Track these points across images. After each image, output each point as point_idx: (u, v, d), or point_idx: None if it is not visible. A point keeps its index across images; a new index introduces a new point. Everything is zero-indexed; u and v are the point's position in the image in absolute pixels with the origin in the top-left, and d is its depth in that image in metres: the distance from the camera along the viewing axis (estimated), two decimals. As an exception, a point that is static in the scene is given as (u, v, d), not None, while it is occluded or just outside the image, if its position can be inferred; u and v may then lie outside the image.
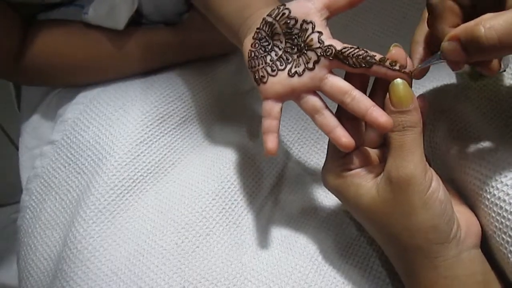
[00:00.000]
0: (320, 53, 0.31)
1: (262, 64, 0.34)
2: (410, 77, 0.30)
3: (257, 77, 0.34)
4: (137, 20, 0.53)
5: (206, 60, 0.54)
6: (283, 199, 0.45)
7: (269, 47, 0.34)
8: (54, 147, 0.47)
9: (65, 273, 0.38)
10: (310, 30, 0.32)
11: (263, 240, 0.40)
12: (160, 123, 0.46)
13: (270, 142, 0.33)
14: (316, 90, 0.33)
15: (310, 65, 0.32)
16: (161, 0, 0.52)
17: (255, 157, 0.46)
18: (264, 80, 0.33)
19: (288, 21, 0.32)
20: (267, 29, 0.34)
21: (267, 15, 0.33)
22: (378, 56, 0.30)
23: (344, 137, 0.31)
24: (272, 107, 0.33)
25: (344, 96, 0.31)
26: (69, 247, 0.39)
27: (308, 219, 0.42)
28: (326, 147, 0.35)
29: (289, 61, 0.33)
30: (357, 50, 0.31)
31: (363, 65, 0.30)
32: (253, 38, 0.34)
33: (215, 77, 0.52)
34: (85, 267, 0.37)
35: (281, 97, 0.33)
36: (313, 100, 0.33)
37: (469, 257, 0.30)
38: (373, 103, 0.30)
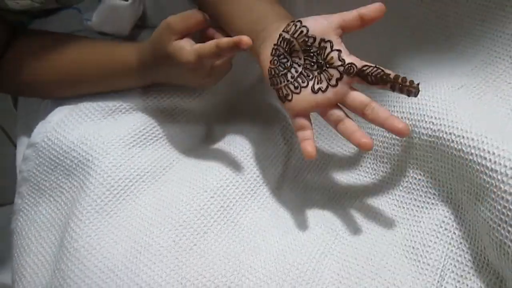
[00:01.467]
0: (342, 71, 0.34)
1: (284, 81, 0.36)
2: (418, 89, 0.33)
3: (281, 95, 0.36)
4: (140, 25, 0.53)
5: None
6: (284, 197, 0.45)
7: (288, 64, 0.36)
8: (35, 150, 0.46)
9: (63, 271, 0.38)
10: (329, 48, 0.34)
11: (261, 237, 0.40)
12: (154, 127, 0.46)
13: (309, 146, 0.35)
14: (338, 103, 0.35)
15: (333, 82, 0.35)
16: (166, 3, 0.52)
17: (256, 156, 0.45)
18: (289, 98, 0.36)
19: (307, 39, 0.35)
20: (285, 46, 0.35)
21: (284, 31, 0.36)
22: (392, 74, 0.33)
23: (364, 137, 0.34)
24: (302, 122, 0.36)
25: (365, 108, 0.34)
26: (66, 246, 0.39)
27: (307, 217, 0.42)
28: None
29: (310, 77, 0.35)
30: (375, 69, 0.33)
31: (380, 83, 0.33)
32: (271, 54, 0.36)
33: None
34: (82, 265, 0.37)
35: (307, 113, 0.36)
36: (337, 114, 0.36)
37: None
38: (389, 113, 0.34)
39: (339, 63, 0.34)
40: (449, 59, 0.41)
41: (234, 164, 0.44)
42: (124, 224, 0.40)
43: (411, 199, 0.38)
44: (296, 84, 0.35)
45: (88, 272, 0.37)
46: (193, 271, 0.36)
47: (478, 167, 0.32)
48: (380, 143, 0.40)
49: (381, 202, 0.40)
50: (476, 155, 0.32)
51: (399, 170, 0.39)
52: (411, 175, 0.38)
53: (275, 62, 0.36)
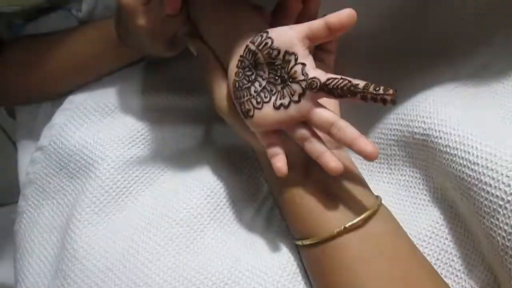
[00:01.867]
0: (305, 86, 0.31)
1: (247, 95, 0.33)
2: (394, 95, 0.29)
3: (243, 110, 0.33)
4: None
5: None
6: None
7: (253, 77, 0.33)
8: (43, 153, 0.47)
9: (64, 272, 0.38)
10: (293, 62, 0.32)
11: (258, 235, 0.40)
12: (152, 127, 0.46)
13: (279, 163, 0.33)
14: (302, 120, 0.33)
15: (296, 98, 0.32)
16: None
17: (253, 157, 0.45)
18: (251, 113, 0.33)
19: (271, 52, 0.32)
20: (250, 58, 0.33)
21: (251, 42, 0.33)
22: (361, 84, 0.30)
23: (333, 161, 0.32)
24: (269, 138, 0.34)
25: (331, 127, 0.32)
26: (66, 247, 0.39)
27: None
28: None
29: (273, 92, 0.32)
30: (341, 81, 0.30)
31: (348, 95, 0.30)
32: (236, 66, 0.34)
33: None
34: (81, 264, 0.38)
35: (270, 129, 0.34)
36: (301, 132, 0.33)
37: None
38: (358, 133, 0.31)
39: (302, 77, 0.31)
40: (444, 61, 0.41)
41: (231, 164, 0.44)
42: (122, 225, 0.40)
43: (408, 196, 0.38)
44: (258, 99, 0.33)
45: (88, 272, 0.37)
46: (190, 269, 0.36)
47: (461, 161, 0.31)
48: (376, 144, 0.40)
49: None
50: (461, 150, 0.32)
51: (396, 169, 0.39)
52: (408, 173, 0.38)
53: (240, 74, 0.34)
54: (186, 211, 0.40)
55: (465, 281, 0.33)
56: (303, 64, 0.31)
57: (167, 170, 0.44)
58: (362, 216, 0.32)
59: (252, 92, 0.33)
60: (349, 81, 0.30)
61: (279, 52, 0.32)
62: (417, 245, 0.33)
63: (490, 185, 0.29)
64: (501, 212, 0.28)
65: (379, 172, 0.40)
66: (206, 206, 0.40)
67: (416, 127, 0.36)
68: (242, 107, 0.33)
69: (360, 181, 0.36)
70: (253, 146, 0.37)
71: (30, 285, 0.42)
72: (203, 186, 0.42)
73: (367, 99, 0.30)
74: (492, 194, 0.29)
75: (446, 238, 0.34)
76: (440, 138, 0.33)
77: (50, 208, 0.45)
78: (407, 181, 0.38)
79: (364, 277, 0.31)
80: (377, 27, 0.45)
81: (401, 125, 0.38)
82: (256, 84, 0.33)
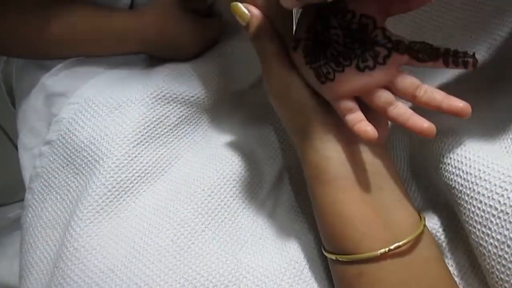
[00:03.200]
0: (391, 47, 0.30)
1: (323, 59, 0.31)
2: (475, 58, 0.29)
3: (321, 73, 0.31)
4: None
5: (203, 57, 0.54)
6: (284, 195, 0.45)
7: (327, 41, 0.31)
8: (51, 147, 0.47)
9: (63, 271, 0.38)
10: (371, 26, 0.30)
11: (259, 236, 0.40)
12: (157, 124, 0.46)
13: (368, 127, 0.30)
14: (387, 85, 0.31)
15: (381, 60, 0.30)
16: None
17: (255, 155, 0.46)
18: (331, 76, 0.31)
19: (345, 15, 0.30)
20: (322, 23, 0.31)
21: (320, 8, 0.31)
22: (442, 48, 0.30)
23: (426, 122, 0.30)
24: (348, 104, 0.31)
25: (416, 89, 0.30)
26: (66, 246, 0.39)
27: (307, 215, 0.42)
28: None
29: (353, 56, 0.30)
30: (424, 44, 0.30)
31: (432, 59, 0.30)
32: (306, 31, 0.32)
33: (213, 76, 0.52)
34: (82, 264, 0.38)
35: (352, 95, 0.31)
36: (386, 96, 0.31)
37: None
38: (445, 94, 0.30)
39: (385, 40, 0.30)
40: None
41: (231, 163, 0.45)
42: (124, 225, 0.40)
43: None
44: (337, 62, 0.30)
45: (88, 272, 0.37)
46: (191, 270, 0.36)
47: (454, 170, 0.32)
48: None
49: None
50: (454, 159, 0.32)
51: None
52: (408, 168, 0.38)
53: (311, 37, 0.31)
54: (187, 211, 0.40)
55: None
56: (384, 29, 0.30)
57: (168, 169, 0.45)
58: (409, 239, 0.30)
59: (329, 55, 0.31)
60: (431, 45, 0.30)
61: (354, 15, 0.30)
62: None
63: (483, 195, 0.29)
64: (494, 222, 0.29)
65: None
66: (207, 205, 0.40)
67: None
68: (319, 71, 0.31)
69: (406, 194, 0.33)
70: (295, 131, 0.35)
71: (34, 281, 0.41)
72: (203, 186, 0.42)
73: (449, 63, 0.29)
74: (485, 204, 0.29)
75: (447, 243, 0.34)
76: (436, 146, 0.34)
77: (53, 203, 0.44)
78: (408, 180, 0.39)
79: None
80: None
81: (405, 132, 0.38)
82: (332, 48, 0.31)
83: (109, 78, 0.51)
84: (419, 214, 0.32)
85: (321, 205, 0.33)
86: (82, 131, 0.45)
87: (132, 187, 0.42)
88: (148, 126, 0.45)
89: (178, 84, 0.49)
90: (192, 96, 0.49)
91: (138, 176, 0.43)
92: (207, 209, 0.40)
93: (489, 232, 0.29)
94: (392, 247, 0.29)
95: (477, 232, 0.29)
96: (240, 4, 0.34)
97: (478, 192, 0.30)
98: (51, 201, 0.45)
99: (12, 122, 0.62)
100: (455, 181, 0.31)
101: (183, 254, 0.37)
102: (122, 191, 0.42)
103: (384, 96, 0.31)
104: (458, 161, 0.32)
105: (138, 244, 0.38)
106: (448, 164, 0.32)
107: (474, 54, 0.29)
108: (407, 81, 0.31)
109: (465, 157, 0.31)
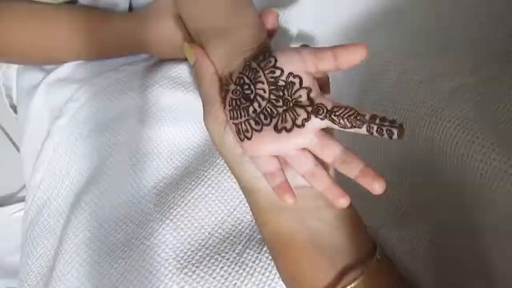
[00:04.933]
0: (311, 111, 0.29)
1: (244, 115, 0.31)
2: (401, 128, 0.28)
3: (240, 131, 0.31)
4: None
5: None
6: None
7: (252, 96, 0.31)
8: (53, 147, 0.47)
9: (60, 270, 0.39)
10: (297, 85, 0.30)
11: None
12: (157, 121, 0.46)
13: (288, 197, 0.30)
14: (304, 147, 0.30)
15: (299, 123, 0.29)
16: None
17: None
18: (249, 135, 0.30)
19: (274, 71, 0.30)
20: (250, 75, 0.31)
21: (252, 60, 0.31)
22: (368, 115, 0.28)
23: (341, 196, 0.30)
24: (266, 163, 0.31)
25: (335, 161, 0.30)
26: (64, 245, 0.40)
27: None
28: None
29: (274, 114, 0.30)
30: (347, 110, 0.28)
31: (354, 126, 0.28)
32: (234, 83, 0.31)
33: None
34: (81, 267, 0.38)
35: (269, 154, 0.31)
36: (304, 160, 0.30)
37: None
38: (364, 163, 0.29)
39: (307, 102, 0.29)
40: (448, 57, 0.41)
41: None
42: (121, 222, 0.40)
43: None
44: (257, 120, 0.30)
45: (83, 270, 0.38)
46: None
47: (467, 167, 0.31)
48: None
49: None
50: (466, 155, 0.31)
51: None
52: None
53: (237, 92, 0.31)
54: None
55: None
56: (309, 89, 0.30)
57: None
58: (356, 283, 0.30)
59: (251, 112, 0.31)
60: (356, 111, 0.28)
61: (282, 72, 0.30)
62: None
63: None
64: None
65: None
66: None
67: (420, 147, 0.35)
68: (239, 127, 0.31)
69: (358, 227, 0.33)
70: (242, 181, 0.33)
71: (34, 280, 0.42)
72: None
73: (372, 132, 0.28)
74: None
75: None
76: (441, 141, 0.33)
77: (53, 207, 0.44)
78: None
79: None
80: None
81: (396, 114, 0.37)
82: (255, 104, 0.31)
83: (111, 78, 0.51)
84: (374, 246, 0.32)
85: (271, 246, 0.34)
86: (84, 130, 0.46)
87: (136, 187, 0.42)
88: (150, 122, 0.45)
89: (181, 85, 0.48)
90: (195, 97, 0.49)
91: (143, 179, 0.43)
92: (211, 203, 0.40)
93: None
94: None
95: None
96: (189, 47, 0.35)
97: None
98: (53, 200, 0.45)
99: (13, 123, 0.62)
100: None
101: (184, 252, 0.37)
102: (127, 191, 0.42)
103: (302, 163, 0.30)
104: (471, 156, 0.30)
105: (141, 241, 0.38)
106: (462, 159, 0.31)
107: (401, 124, 0.28)
108: (326, 146, 0.30)
109: (479, 151, 0.30)
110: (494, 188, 0.30)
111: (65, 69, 0.53)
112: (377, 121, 0.28)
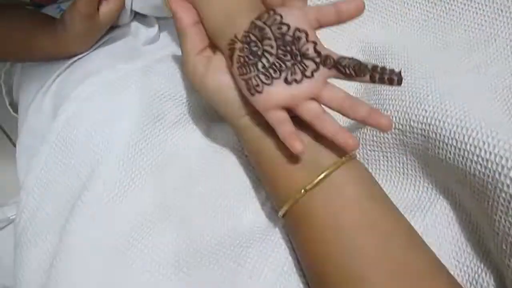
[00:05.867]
0: (319, 62, 0.31)
1: (254, 71, 0.32)
2: (400, 76, 0.31)
3: (251, 85, 0.32)
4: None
5: None
6: None
7: (259, 52, 0.32)
8: (48, 146, 0.46)
9: (60, 269, 0.38)
10: (304, 39, 0.32)
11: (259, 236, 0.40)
12: (155, 122, 0.46)
13: (296, 142, 0.32)
14: (314, 97, 0.33)
15: (309, 73, 0.32)
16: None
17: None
18: (259, 89, 0.32)
19: (281, 27, 0.32)
20: (257, 33, 0.32)
21: (256, 19, 0.33)
22: (370, 65, 0.31)
23: (350, 138, 0.32)
24: (279, 115, 0.33)
25: (343, 103, 0.32)
26: (63, 245, 0.39)
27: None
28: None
29: (283, 68, 0.32)
30: (352, 60, 0.31)
31: (358, 74, 0.31)
32: (241, 41, 0.33)
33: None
34: (80, 262, 0.38)
35: (280, 107, 0.33)
36: (314, 107, 0.33)
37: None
38: (370, 107, 0.32)
39: (315, 54, 0.31)
40: (449, 52, 0.41)
41: (233, 164, 0.44)
42: (123, 223, 0.40)
43: (409, 184, 0.37)
44: (267, 74, 0.32)
45: (86, 270, 0.37)
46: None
47: (471, 157, 0.30)
48: (368, 131, 0.40)
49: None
50: (470, 144, 0.31)
51: (392, 156, 0.39)
52: (405, 161, 0.38)
53: (245, 49, 0.33)
54: (189, 208, 0.40)
55: (465, 271, 0.32)
56: (315, 43, 0.32)
57: (170, 167, 0.44)
58: (324, 174, 0.32)
59: (260, 67, 0.32)
60: (359, 61, 0.31)
61: (289, 27, 0.32)
62: (421, 234, 0.33)
63: (508, 185, 0.28)
64: None
65: (375, 160, 0.40)
66: (214, 203, 0.40)
67: (415, 114, 0.35)
68: (249, 82, 0.32)
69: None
70: (234, 120, 0.37)
71: (31, 281, 0.41)
72: (206, 184, 0.41)
73: (375, 79, 0.31)
74: (510, 195, 0.28)
75: (449, 228, 0.34)
76: (445, 129, 0.32)
77: (50, 203, 0.44)
78: (406, 169, 0.37)
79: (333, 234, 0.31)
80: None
81: (397, 111, 0.36)
82: (264, 60, 0.32)
83: (109, 77, 0.50)
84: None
85: (259, 166, 0.37)
86: (81, 130, 0.45)
87: (131, 185, 0.42)
88: (147, 123, 0.45)
89: (179, 82, 0.48)
90: (194, 94, 0.49)
91: (138, 174, 0.42)
92: (211, 205, 0.40)
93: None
94: (308, 186, 0.32)
95: (503, 221, 0.28)
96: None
97: (502, 182, 0.28)
98: (48, 201, 0.44)
99: (12, 122, 0.62)
100: (473, 168, 0.30)
101: (183, 253, 0.37)
102: (122, 189, 0.41)
103: (311, 109, 0.33)
104: (474, 145, 0.30)
105: (139, 241, 0.38)
106: (465, 149, 0.31)
107: (400, 72, 0.30)
108: (333, 93, 0.32)
109: (483, 142, 0.30)
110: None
111: (69, 69, 0.53)
112: (379, 69, 0.31)
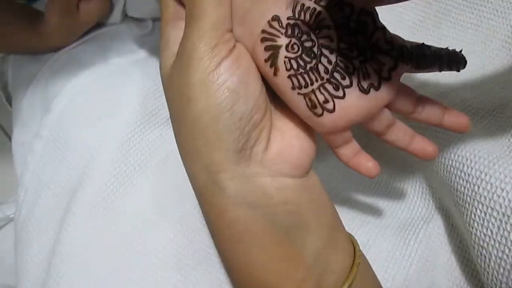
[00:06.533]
0: (397, 55, 0.22)
1: (317, 79, 0.22)
2: (464, 59, 0.25)
3: (315, 103, 0.22)
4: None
5: None
6: None
7: (316, 49, 0.22)
8: (42, 142, 0.46)
9: (58, 268, 0.38)
10: (371, 25, 0.22)
11: None
12: (151, 116, 0.45)
13: (369, 162, 0.26)
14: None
15: (385, 74, 0.22)
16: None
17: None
18: (330, 106, 0.22)
19: (343, 8, 0.21)
20: (309, 20, 0.22)
21: None
22: (433, 48, 0.24)
23: (429, 145, 0.26)
24: (344, 137, 0.25)
25: (416, 105, 0.26)
26: (62, 242, 0.39)
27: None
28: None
29: (350, 70, 0.22)
30: (423, 47, 0.24)
31: (433, 65, 0.24)
32: (286, 35, 0.22)
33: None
34: (78, 260, 0.37)
35: (353, 125, 0.24)
36: (387, 115, 0.25)
37: (274, 184, 0.23)
38: (444, 108, 0.26)
39: (388, 46, 0.22)
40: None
41: None
42: (120, 220, 0.39)
43: (410, 203, 0.37)
44: (335, 83, 0.22)
45: (85, 268, 0.37)
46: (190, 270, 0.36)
47: (456, 172, 0.31)
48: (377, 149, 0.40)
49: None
50: (455, 161, 0.31)
51: (396, 174, 0.39)
52: (408, 180, 0.38)
53: (295, 47, 0.22)
54: (185, 209, 0.39)
55: None
56: (384, 29, 0.22)
57: (162, 164, 0.43)
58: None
59: (322, 73, 0.22)
60: (429, 47, 0.24)
61: (352, 10, 0.22)
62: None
63: (484, 197, 0.29)
64: (495, 224, 0.28)
65: (380, 177, 0.40)
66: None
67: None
68: (313, 98, 0.22)
69: (337, 228, 0.26)
70: (208, 169, 0.23)
71: (31, 278, 0.41)
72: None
73: (443, 67, 0.24)
74: (486, 206, 0.28)
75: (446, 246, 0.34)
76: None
77: (46, 199, 0.44)
78: (407, 188, 0.38)
79: None
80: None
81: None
82: (324, 61, 0.22)
83: (102, 70, 0.50)
84: (353, 246, 0.26)
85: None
86: (75, 125, 0.45)
87: (127, 181, 0.41)
88: (142, 118, 0.44)
89: None
90: None
91: (133, 169, 0.42)
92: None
93: (490, 235, 0.28)
94: None
95: (478, 234, 0.29)
96: None
97: (480, 194, 0.29)
98: (45, 197, 0.44)
99: (9, 120, 0.61)
100: (456, 182, 0.31)
101: (181, 253, 0.37)
102: (117, 185, 0.41)
103: (385, 119, 0.25)
104: (459, 162, 0.31)
105: (137, 240, 0.38)
106: (449, 165, 0.32)
107: (461, 51, 0.25)
108: (408, 96, 0.25)
109: (466, 158, 0.31)
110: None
111: (59, 62, 0.52)
112: (447, 58, 0.24)
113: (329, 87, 0.22)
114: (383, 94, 0.23)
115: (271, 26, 0.22)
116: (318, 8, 0.22)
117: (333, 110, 0.22)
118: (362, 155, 0.26)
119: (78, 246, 0.38)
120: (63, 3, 0.48)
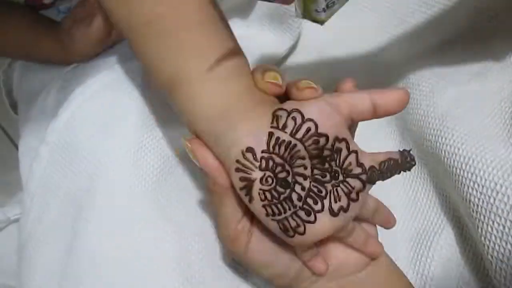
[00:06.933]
0: (365, 179, 0.24)
1: (289, 208, 0.24)
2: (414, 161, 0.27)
3: (288, 227, 0.24)
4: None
5: None
6: None
7: (290, 179, 0.24)
8: (49, 148, 0.46)
9: (75, 277, 0.37)
10: (345, 150, 0.24)
11: None
12: (158, 123, 0.45)
13: (321, 264, 0.28)
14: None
15: (354, 196, 0.24)
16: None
17: None
18: (301, 230, 0.24)
19: (318, 140, 0.23)
20: (284, 153, 0.23)
21: (275, 128, 0.24)
22: (395, 155, 0.26)
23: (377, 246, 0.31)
24: (313, 250, 0.28)
25: (374, 213, 0.30)
26: (76, 249, 0.38)
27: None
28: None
29: (323, 194, 0.24)
30: (388, 162, 0.25)
31: (394, 174, 0.26)
32: (260, 169, 0.23)
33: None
34: (97, 270, 0.37)
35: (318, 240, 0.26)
36: (359, 233, 0.29)
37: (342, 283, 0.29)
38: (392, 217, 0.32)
39: (359, 169, 0.24)
40: (449, 57, 0.41)
41: None
42: (128, 230, 0.39)
43: (422, 211, 0.37)
44: (307, 209, 0.24)
45: (103, 276, 0.37)
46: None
47: (468, 183, 0.31)
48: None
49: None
50: (467, 171, 0.31)
51: (408, 183, 0.39)
52: (420, 185, 0.38)
53: (269, 180, 0.23)
54: (195, 221, 0.39)
55: None
56: (356, 153, 0.24)
57: (175, 169, 0.43)
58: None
59: (296, 201, 0.24)
60: (391, 159, 0.26)
61: (327, 139, 0.23)
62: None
63: (502, 210, 0.28)
64: None
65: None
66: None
67: (426, 139, 0.36)
68: (286, 224, 0.24)
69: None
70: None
71: (43, 286, 0.40)
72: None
73: (405, 168, 0.27)
74: (504, 219, 0.28)
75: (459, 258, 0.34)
76: (446, 157, 0.33)
77: (55, 206, 0.43)
78: (421, 197, 0.38)
79: None
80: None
81: (413, 130, 0.37)
82: (298, 188, 0.24)
83: (109, 77, 0.49)
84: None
85: None
86: (83, 131, 0.44)
87: (135, 189, 0.41)
88: (150, 124, 0.44)
89: None
90: None
91: (143, 180, 0.41)
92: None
93: (510, 248, 0.27)
94: None
95: (497, 248, 0.28)
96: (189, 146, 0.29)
97: (496, 207, 0.28)
98: (53, 204, 0.43)
99: (12, 122, 0.62)
100: (469, 193, 0.30)
101: (195, 264, 0.37)
102: (125, 193, 0.40)
103: (359, 235, 0.29)
104: (472, 173, 0.30)
105: (150, 251, 0.38)
106: (462, 176, 0.31)
107: (410, 151, 0.27)
108: (371, 207, 0.29)
109: (479, 169, 0.30)
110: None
111: (72, 72, 0.53)
112: (408, 159, 0.26)
113: (301, 213, 0.24)
114: (350, 213, 0.25)
115: (245, 158, 0.24)
116: (293, 142, 0.23)
117: (303, 233, 0.24)
118: (320, 258, 0.28)
119: (93, 253, 0.38)
120: (98, 33, 0.51)
